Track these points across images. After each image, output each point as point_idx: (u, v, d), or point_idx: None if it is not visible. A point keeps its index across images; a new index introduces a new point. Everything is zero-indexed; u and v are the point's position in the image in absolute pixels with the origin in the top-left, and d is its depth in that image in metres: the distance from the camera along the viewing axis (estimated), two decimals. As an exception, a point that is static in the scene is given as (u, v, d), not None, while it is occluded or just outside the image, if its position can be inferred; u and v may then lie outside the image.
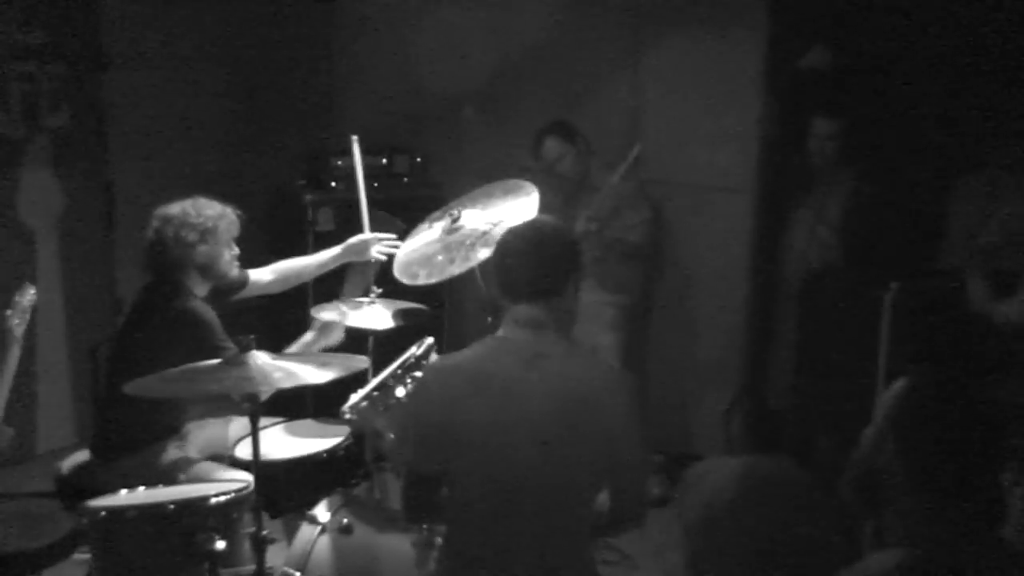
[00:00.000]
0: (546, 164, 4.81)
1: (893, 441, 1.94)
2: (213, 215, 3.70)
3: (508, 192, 3.65)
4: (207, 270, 3.70)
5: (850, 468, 2.35)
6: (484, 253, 3.33)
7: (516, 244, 2.61)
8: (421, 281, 3.54)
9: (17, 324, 3.53)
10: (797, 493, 1.58)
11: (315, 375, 2.84)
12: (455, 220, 3.57)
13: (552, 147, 4.80)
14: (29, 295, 3.60)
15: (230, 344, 3.39)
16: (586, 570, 2.53)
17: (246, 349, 2.80)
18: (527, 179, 3.66)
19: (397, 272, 3.62)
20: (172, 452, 3.65)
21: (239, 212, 3.85)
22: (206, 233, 3.66)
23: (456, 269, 3.43)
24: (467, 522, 2.55)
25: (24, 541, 3.42)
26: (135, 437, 3.58)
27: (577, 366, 2.54)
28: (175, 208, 3.68)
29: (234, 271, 3.86)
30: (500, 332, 2.61)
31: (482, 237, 3.42)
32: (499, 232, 3.00)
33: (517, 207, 3.51)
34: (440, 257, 3.51)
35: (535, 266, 2.56)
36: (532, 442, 2.43)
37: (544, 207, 4.71)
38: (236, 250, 3.82)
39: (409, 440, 2.64)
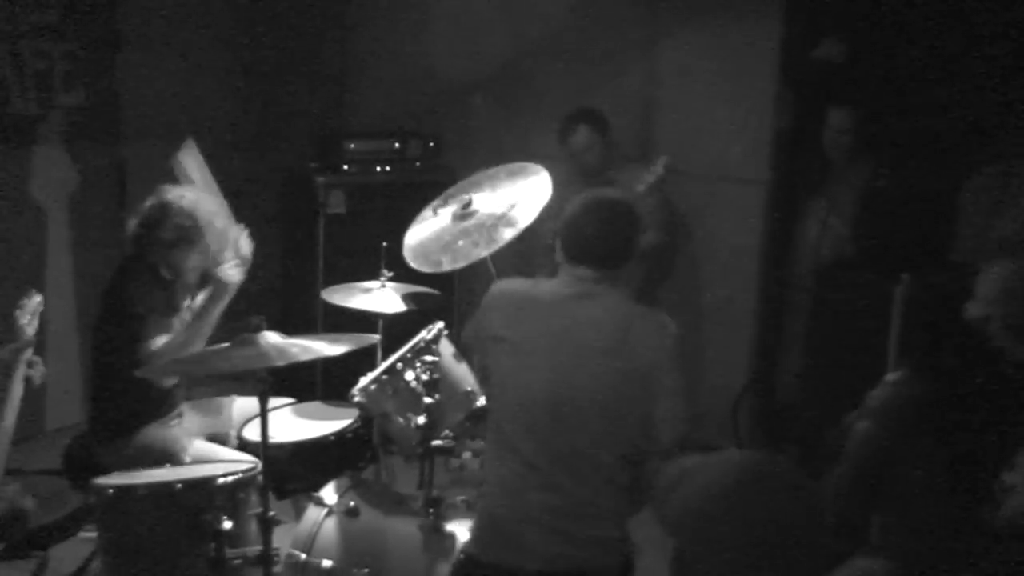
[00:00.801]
0: (573, 151, 4.80)
1: (885, 439, 1.92)
2: (199, 223, 3.55)
3: (515, 174, 3.63)
4: (170, 268, 3.61)
5: (839, 467, 2.31)
6: (509, 233, 3.34)
7: (590, 214, 2.78)
8: (446, 267, 3.51)
9: (28, 325, 3.48)
10: (787, 488, 1.57)
11: (328, 349, 2.84)
12: (467, 205, 3.55)
13: (583, 135, 4.78)
14: (36, 302, 3.54)
15: (147, 344, 3.43)
16: (619, 508, 2.63)
17: (256, 330, 2.80)
18: (549, 166, 3.64)
19: (414, 261, 3.58)
20: (171, 431, 3.66)
21: (246, 226, 3.79)
22: (181, 239, 3.54)
23: (483, 252, 3.40)
24: (504, 441, 2.72)
25: (33, 517, 3.44)
26: (129, 417, 3.58)
27: (624, 305, 2.74)
28: (172, 195, 3.59)
29: (194, 276, 3.68)
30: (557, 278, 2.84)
31: (502, 218, 3.39)
32: (518, 213, 3.20)
33: (530, 187, 3.49)
34: (461, 242, 3.49)
35: (604, 237, 2.75)
36: (574, 360, 2.65)
37: (562, 195, 4.75)
38: (217, 261, 3.64)
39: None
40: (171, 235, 3.53)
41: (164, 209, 3.55)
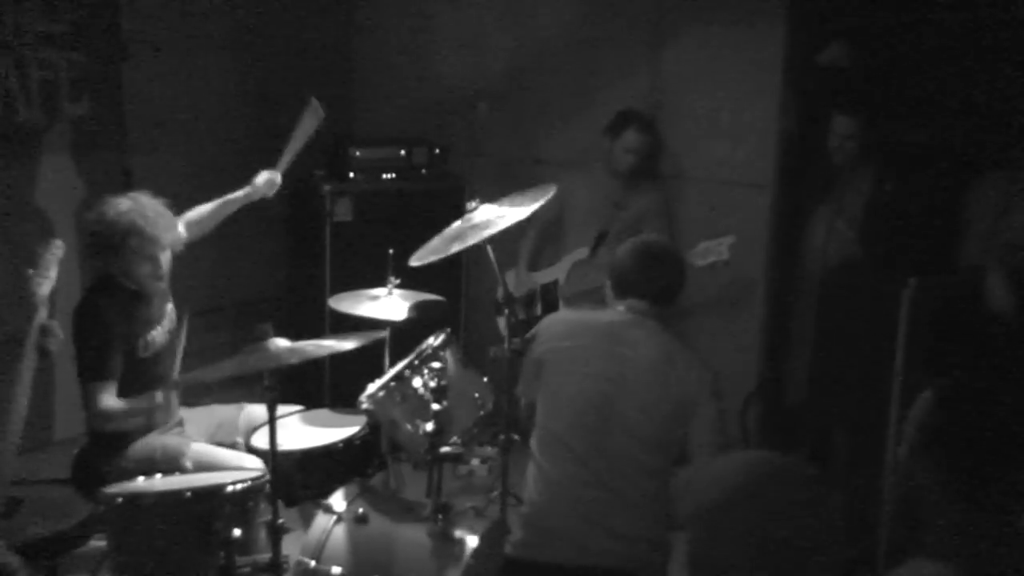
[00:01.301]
0: (618, 150, 4.81)
1: (927, 456, 1.90)
2: (117, 231, 3.43)
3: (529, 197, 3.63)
4: (126, 276, 3.54)
5: (891, 488, 2.34)
6: (482, 236, 3.33)
7: (638, 258, 3.07)
8: (418, 259, 3.49)
9: (41, 284, 3.33)
10: (801, 485, 1.56)
11: (337, 345, 2.85)
12: (472, 210, 3.55)
13: (632, 136, 4.80)
14: (55, 249, 3.42)
15: (102, 360, 3.40)
16: (662, 510, 2.80)
17: (263, 336, 2.81)
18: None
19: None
20: (170, 439, 3.66)
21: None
22: (109, 249, 3.47)
23: (452, 249, 3.39)
24: (553, 441, 2.90)
25: (41, 527, 3.43)
26: (123, 430, 3.57)
27: (669, 341, 2.98)
28: (95, 212, 3.50)
29: (155, 283, 3.59)
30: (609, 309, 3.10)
31: (483, 224, 3.39)
32: (501, 222, 3.28)
33: (525, 202, 3.48)
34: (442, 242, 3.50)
35: (650, 279, 3.04)
36: (625, 375, 2.87)
37: (593, 196, 4.78)
38: (160, 266, 3.55)
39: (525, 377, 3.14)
40: (100, 246, 3.48)
41: (101, 221, 3.47)
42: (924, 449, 1.89)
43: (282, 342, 2.84)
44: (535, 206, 3.33)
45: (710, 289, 4.75)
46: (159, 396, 3.54)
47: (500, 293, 3.47)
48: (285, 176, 4.21)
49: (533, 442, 2.99)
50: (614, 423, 2.84)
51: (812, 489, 1.57)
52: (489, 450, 4.93)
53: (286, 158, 4.14)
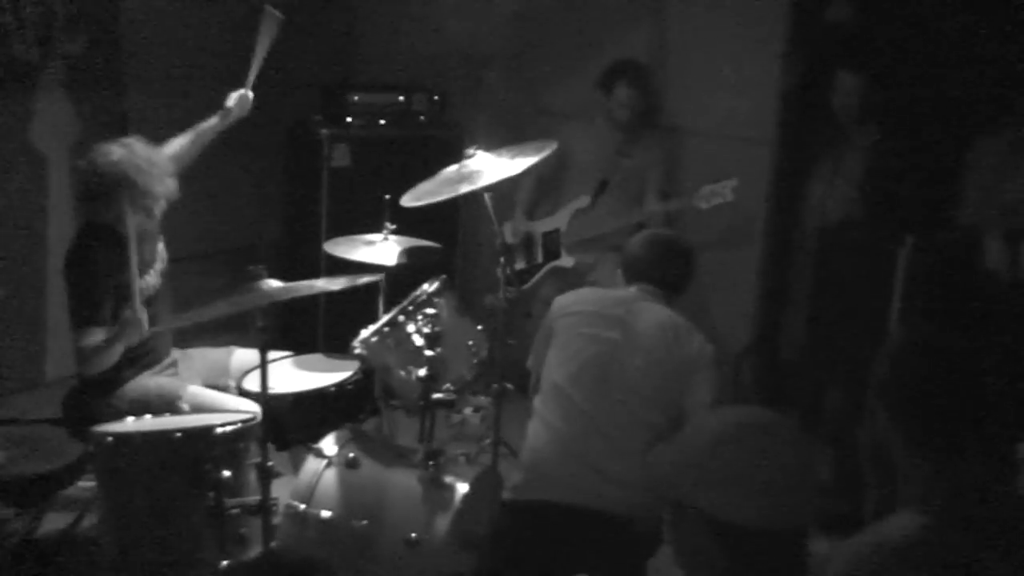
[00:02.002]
0: (611, 106, 4.78)
1: (884, 405, 1.92)
2: (109, 181, 3.39)
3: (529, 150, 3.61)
4: (117, 223, 3.45)
5: (862, 432, 2.36)
6: (464, 188, 3.34)
7: (649, 249, 3.19)
8: (411, 199, 3.48)
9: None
10: (785, 439, 1.58)
11: (329, 284, 2.84)
12: (469, 157, 3.52)
13: (622, 92, 4.76)
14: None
15: (92, 306, 3.36)
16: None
17: (256, 278, 2.79)
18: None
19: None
20: (165, 380, 3.65)
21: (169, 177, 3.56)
22: (100, 198, 3.42)
23: (448, 194, 3.38)
24: (557, 391, 2.96)
25: (32, 465, 3.44)
26: (113, 369, 3.52)
27: (675, 316, 3.04)
28: (87, 160, 3.45)
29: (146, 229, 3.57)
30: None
31: (480, 172, 3.37)
32: (497, 175, 3.30)
33: (524, 154, 3.45)
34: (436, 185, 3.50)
35: (661, 270, 3.15)
36: (630, 340, 2.95)
37: (598, 150, 4.75)
38: (153, 215, 3.52)
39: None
40: (106, 195, 3.41)
41: (93, 170, 3.42)
42: (878, 399, 1.92)
43: (275, 283, 2.82)
44: (533, 161, 3.30)
45: (711, 232, 4.74)
46: (127, 312, 3.38)
47: (498, 242, 3.46)
48: (282, 120, 4.16)
49: (536, 399, 3.04)
50: (615, 378, 2.91)
51: (797, 443, 1.59)
52: (482, 399, 4.93)
53: (253, 72, 4.06)
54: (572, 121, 5.01)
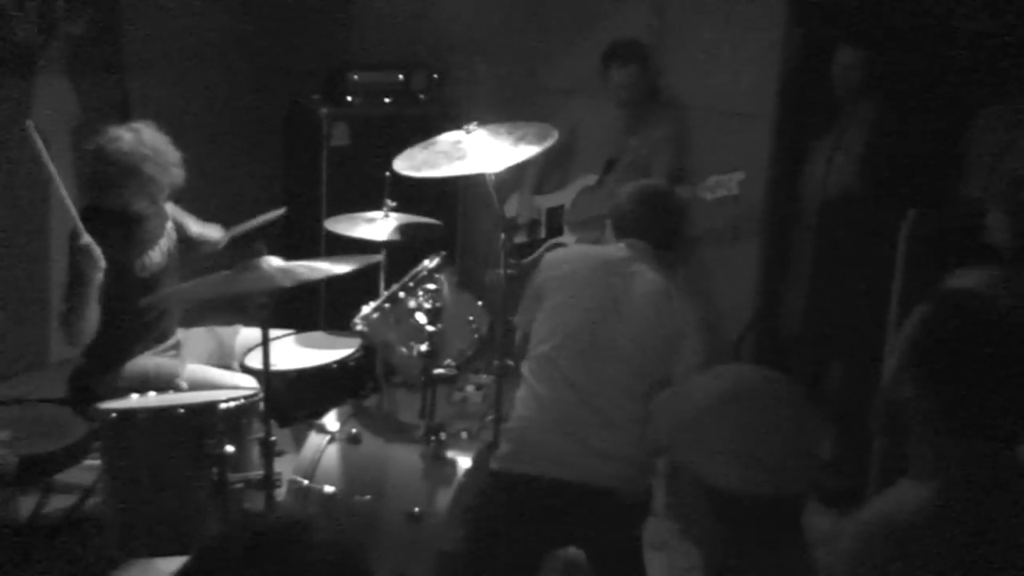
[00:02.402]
0: (610, 87, 4.77)
1: (914, 370, 1.87)
2: (116, 170, 3.41)
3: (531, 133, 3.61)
4: (122, 208, 3.49)
5: (876, 400, 2.33)
6: (462, 169, 3.33)
7: (639, 203, 3.08)
8: (403, 164, 3.43)
9: None
10: (785, 399, 1.55)
11: (332, 268, 2.84)
12: (468, 132, 3.51)
13: (617, 74, 4.73)
14: None
15: (71, 295, 3.34)
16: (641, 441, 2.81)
17: (256, 254, 2.80)
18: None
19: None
20: (165, 359, 3.66)
21: (181, 164, 3.56)
22: (106, 185, 3.45)
23: (445, 171, 3.36)
24: (544, 362, 2.91)
25: (37, 445, 3.45)
26: (118, 348, 3.56)
27: (666, 280, 2.98)
28: (95, 145, 3.46)
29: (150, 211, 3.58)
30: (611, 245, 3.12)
31: (467, 152, 3.36)
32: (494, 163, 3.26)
33: (523, 135, 3.45)
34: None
35: (651, 224, 3.05)
36: (619, 306, 2.90)
37: (606, 127, 4.74)
38: (157, 201, 3.56)
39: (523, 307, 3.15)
40: (112, 182, 3.43)
41: (101, 156, 3.43)
42: (911, 365, 1.87)
43: (275, 260, 2.83)
44: (534, 151, 3.28)
45: (715, 221, 4.73)
46: (78, 238, 3.33)
47: (499, 217, 3.45)
48: (281, 100, 4.12)
49: (524, 365, 3.00)
50: (604, 348, 2.87)
51: (797, 403, 1.57)
52: (484, 377, 4.94)
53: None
54: (578, 98, 4.99)
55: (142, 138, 3.44)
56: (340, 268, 2.90)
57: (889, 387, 1.92)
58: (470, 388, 5.03)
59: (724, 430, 1.54)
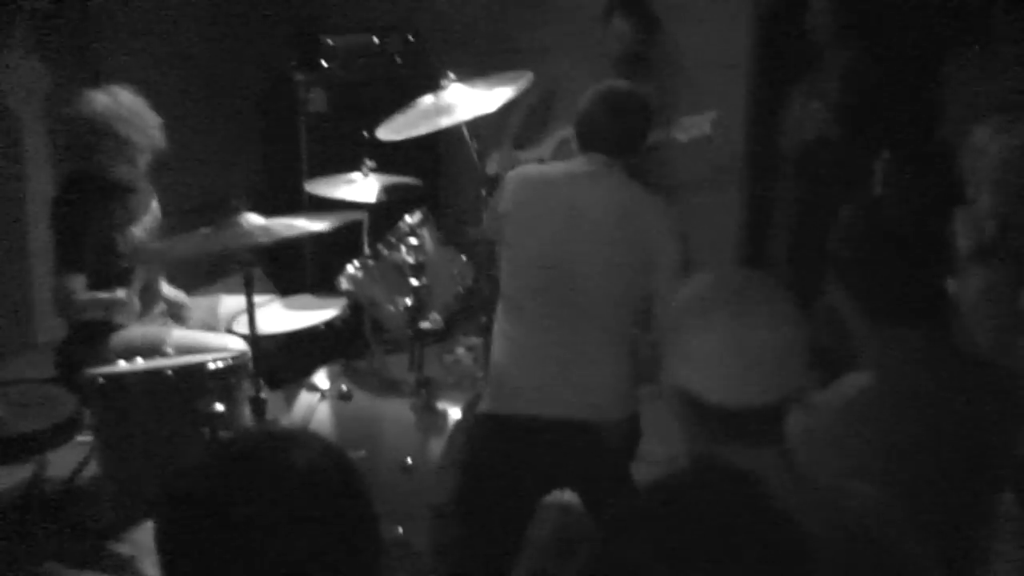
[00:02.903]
0: (609, 37, 4.74)
1: (839, 274, 2.00)
2: (92, 132, 3.40)
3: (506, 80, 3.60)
4: (102, 173, 3.47)
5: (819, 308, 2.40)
6: (443, 122, 3.32)
7: (601, 104, 2.92)
8: (389, 132, 3.52)
9: None
10: (775, 298, 1.56)
11: (312, 225, 2.84)
12: (443, 88, 3.50)
13: (617, 26, 4.70)
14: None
15: (73, 251, 3.36)
16: (626, 365, 2.81)
17: (236, 211, 2.79)
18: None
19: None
20: (150, 327, 3.66)
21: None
22: (83, 148, 3.44)
23: (426, 127, 3.36)
24: (515, 302, 2.87)
25: (27, 423, 3.44)
26: (103, 320, 3.55)
27: (631, 187, 2.89)
28: (72, 108, 3.44)
29: (132, 180, 3.57)
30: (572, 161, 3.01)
31: (456, 104, 3.35)
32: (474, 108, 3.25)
33: (501, 85, 3.44)
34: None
35: (615, 127, 2.90)
36: (582, 229, 2.79)
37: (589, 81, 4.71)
38: (136, 165, 3.52)
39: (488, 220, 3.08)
40: (89, 145, 3.42)
41: (76, 119, 3.42)
42: (833, 268, 2.01)
43: (255, 218, 2.82)
44: (510, 95, 3.27)
45: (691, 166, 4.73)
46: (122, 293, 3.44)
47: (480, 172, 3.45)
48: (257, 68, 4.07)
49: (498, 308, 2.94)
50: (575, 281, 2.79)
51: (786, 302, 1.57)
52: (474, 339, 4.95)
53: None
54: (555, 57, 4.96)
55: (118, 99, 3.43)
56: (319, 225, 2.89)
57: (828, 293, 2.06)
58: (461, 350, 5.02)
59: (701, 336, 1.53)
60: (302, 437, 1.32)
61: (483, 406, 2.90)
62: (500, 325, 2.92)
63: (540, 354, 2.80)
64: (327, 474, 1.27)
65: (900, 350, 1.95)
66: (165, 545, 1.25)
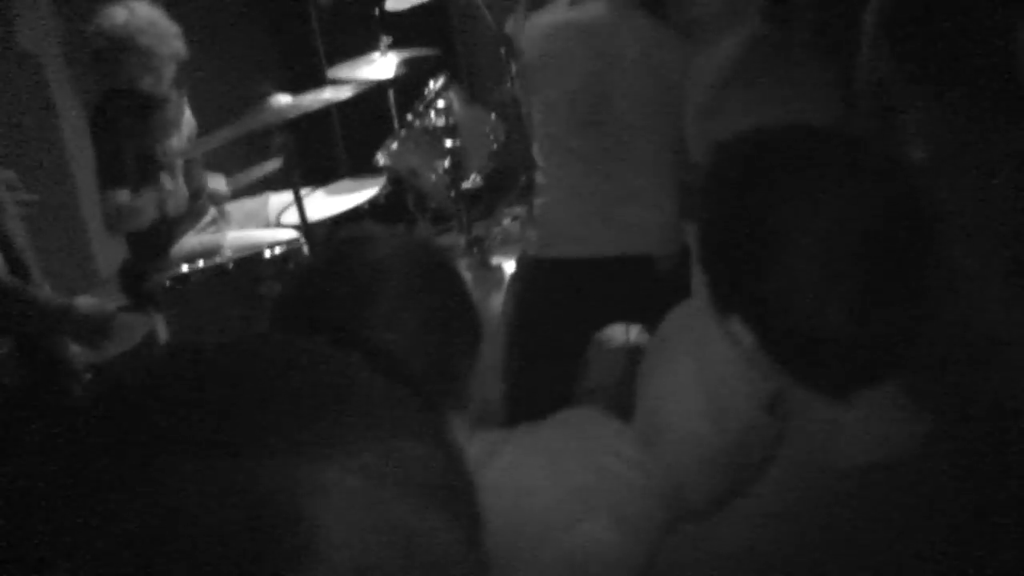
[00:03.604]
0: None
1: (886, 43, 1.91)
2: (113, 46, 3.43)
3: None
4: (130, 87, 3.51)
5: (857, 81, 2.31)
6: None
7: None
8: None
9: None
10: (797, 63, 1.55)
11: (335, 95, 2.88)
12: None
13: None
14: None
15: (115, 166, 3.41)
16: (671, 196, 2.75)
17: (265, 94, 2.84)
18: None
19: None
20: (205, 236, 3.75)
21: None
22: (107, 63, 3.47)
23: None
24: (554, 143, 2.80)
25: (104, 354, 3.55)
26: (159, 234, 3.62)
27: (653, 26, 2.75)
28: (93, 24, 3.45)
29: (161, 91, 3.59)
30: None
31: None
32: None
33: None
34: None
35: None
36: (612, 63, 2.70)
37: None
38: (161, 77, 3.53)
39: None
40: (111, 59, 3.45)
41: (98, 34, 3.44)
42: (883, 36, 1.88)
43: (283, 97, 2.87)
44: None
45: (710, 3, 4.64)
46: (166, 181, 3.49)
47: (496, 33, 3.43)
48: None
49: (535, 150, 2.91)
50: (609, 117, 2.74)
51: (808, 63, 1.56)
52: (517, 209, 4.98)
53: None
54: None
55: (136, 12, 3.46)
56: (343, 94, 2.92)
57: (868, 69, 1.95)
58: (507, 221, 5.07)
59: (741, 102, 1.53)
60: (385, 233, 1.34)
61: (530, 249, 2.88)
62: (541, 168, 2.89)
63: (585, 192, 2.77)
64: (420, 258, 1.30)
65: (952, 118, 1.82)
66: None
